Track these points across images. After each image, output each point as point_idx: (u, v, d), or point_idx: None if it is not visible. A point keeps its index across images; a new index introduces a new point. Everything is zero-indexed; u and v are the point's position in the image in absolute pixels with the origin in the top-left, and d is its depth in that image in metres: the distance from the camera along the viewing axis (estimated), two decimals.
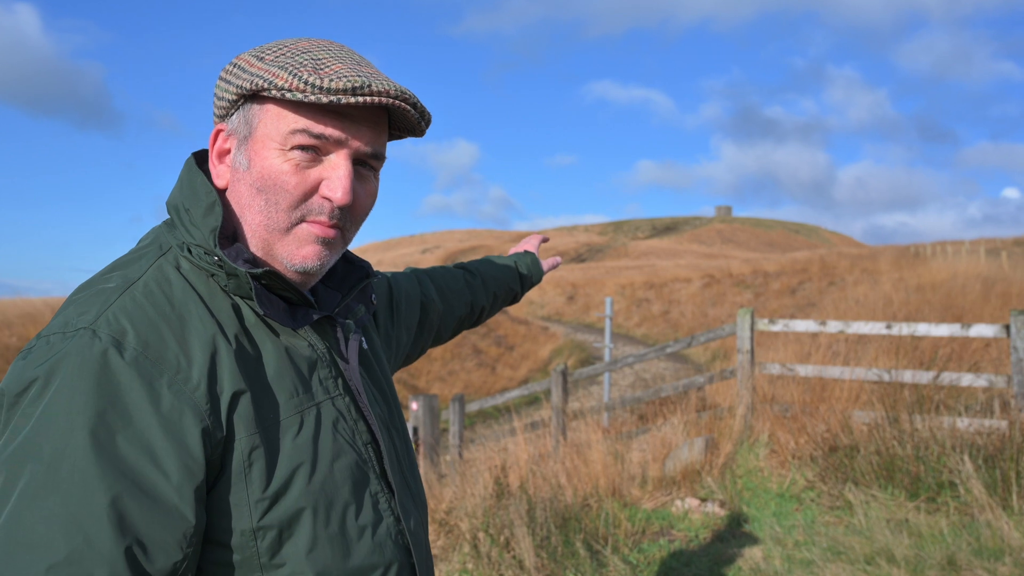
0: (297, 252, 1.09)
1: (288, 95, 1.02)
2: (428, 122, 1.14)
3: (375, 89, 1.03)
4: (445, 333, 1.79)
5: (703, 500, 5.72)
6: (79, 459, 0.88)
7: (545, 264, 2.07)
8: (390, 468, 1.16)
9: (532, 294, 37.05)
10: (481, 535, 4.78)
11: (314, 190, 1.07)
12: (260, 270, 1.05)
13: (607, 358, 12.13)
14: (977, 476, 5.00)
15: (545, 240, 2.20)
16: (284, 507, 1.01)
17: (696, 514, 5.57)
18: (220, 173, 1.13)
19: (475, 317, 1.88)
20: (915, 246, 38.33)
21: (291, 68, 1.03)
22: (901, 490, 5.28)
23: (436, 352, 21.15)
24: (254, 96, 1.08)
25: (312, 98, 1.01)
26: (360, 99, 1.03)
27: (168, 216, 1.14)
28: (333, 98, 1.01)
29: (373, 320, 1.45)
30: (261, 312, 1.07)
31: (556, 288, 37.31)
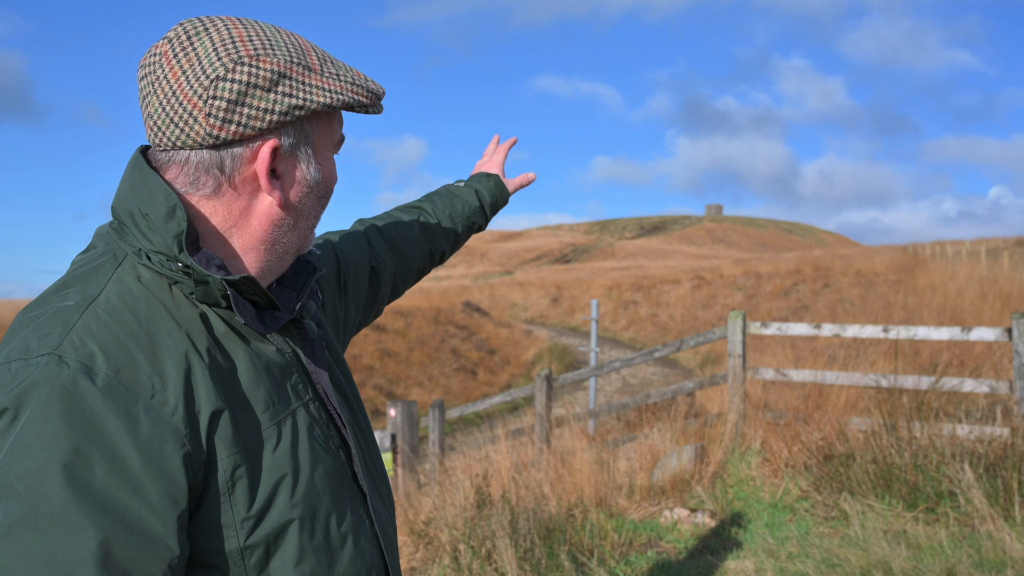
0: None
1: (370, 111, 1.09)
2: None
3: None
4: (402, 286, 1.72)
5: (693, 510, 5.62)
6: (56, 496, 0.85)
7: (512, 183, 1.88)
8: (360, 471, 1.14)
9: (515, 296, 36.97)
10: (462, 547, 4.70)
11: None
12: (238, 277, 1.01)
13: (593, 363, 11.99)
14: (978, 485, 4.92)
15: (515, 143, 1.96)
16: (270, 523, 0.99)
17: (685, 525, 5.48)
18: (275, 188, 1.07)
19: (436, 262, 1.78)
20: (913, 246, 38.53)
21: (357, 83, 1.07)
22: (899, 500, 5.21)
23: (415, 357, 20.98)
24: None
25: (372, 110, 1.09)
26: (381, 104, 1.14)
27: (113, 220, 1.07)
28: (381, 106, 1.12)
29: (320, 306, 1.39)
30: (241, 321, 1.04)
31: (540, 290, 37.26)
